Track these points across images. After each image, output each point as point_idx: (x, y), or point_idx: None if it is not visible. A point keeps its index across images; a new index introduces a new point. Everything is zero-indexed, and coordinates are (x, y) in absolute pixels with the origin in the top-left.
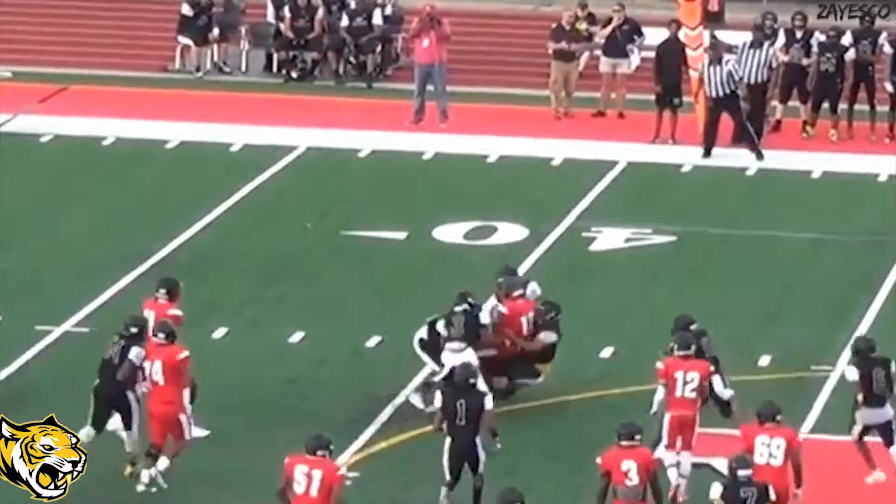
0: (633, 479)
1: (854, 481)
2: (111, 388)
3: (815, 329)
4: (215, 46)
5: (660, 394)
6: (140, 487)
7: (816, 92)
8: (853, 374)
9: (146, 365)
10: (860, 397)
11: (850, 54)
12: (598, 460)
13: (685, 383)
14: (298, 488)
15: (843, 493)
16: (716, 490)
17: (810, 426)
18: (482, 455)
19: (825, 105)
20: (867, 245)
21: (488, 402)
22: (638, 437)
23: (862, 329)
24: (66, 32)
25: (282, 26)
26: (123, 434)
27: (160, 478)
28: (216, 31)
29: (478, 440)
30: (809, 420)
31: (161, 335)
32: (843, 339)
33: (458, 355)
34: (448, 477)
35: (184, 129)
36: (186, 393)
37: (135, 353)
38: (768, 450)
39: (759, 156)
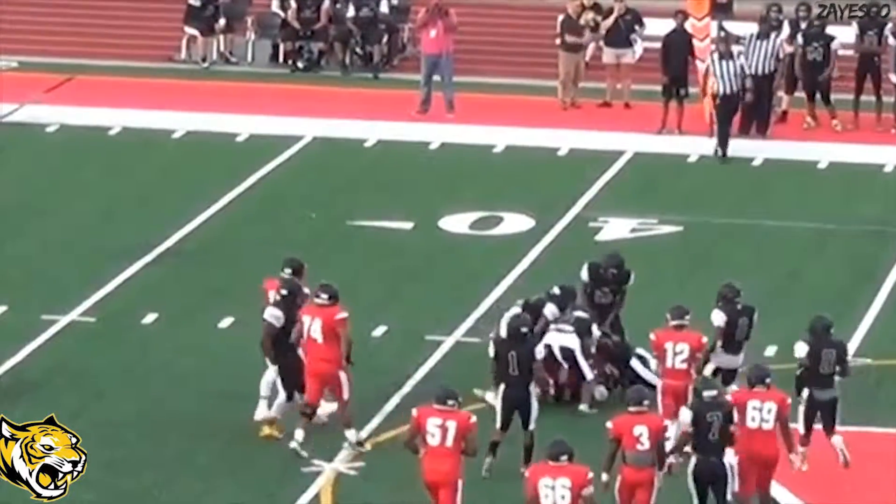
0: (645, 444)
1: (859, 472)
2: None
3: None
4: (221, 37)
5: (653, 365)
6: (292, 444)
7: (806, 82)
8: (720, 320)
9: (305, 319)
10: (719, 343)
11: (836, 44)
12: (609, 424)
13: (675, 354)
14: (432, 440)
15: (848, 483)
16: (686, 415)
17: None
18: (534, 409)
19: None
20: (873, 235)
21: (538, 353)
22: (646, 402)
23: (868, 319)
24: (73, 23)
25: (288, 16)
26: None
27: (298, 446)
28: (222, 21)
29: (531, 389)
30: None
31: (324, 296)
32: (849, 330)
33: (563, 336)
34: (498, 424)
35: (190, 119)
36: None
37: (268, 312)
38: (760, 414)
39: (723, 154)
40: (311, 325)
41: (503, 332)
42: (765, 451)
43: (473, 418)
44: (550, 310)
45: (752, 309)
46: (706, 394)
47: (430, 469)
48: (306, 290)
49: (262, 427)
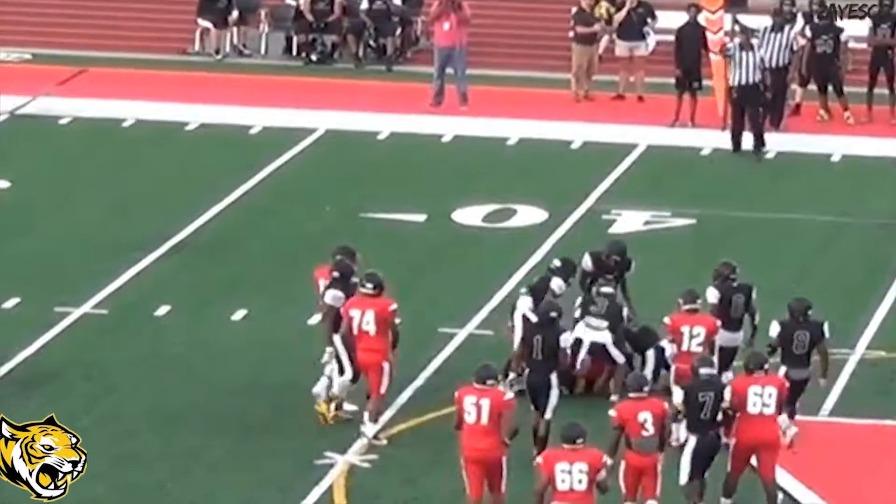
0: (650, 430)
1: (873, 464)
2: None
3: (834, 313)
4: (235, 29)
5: (669, 350)
6: (363, 428)
7: (817, 75)
8: (713, 297)
9: (354, 313)
10: (718, 322)
11: (845, 36)
12: (612, 412)
13: (691, 337)
14: (469, 418)
15: (862, 476)
16: (678, 395)
17: (829, 409)
18: (553, 396)
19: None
20: (886, 228)
21: (564, 341)
22: (646, 388)
23: (881, 312)
24: (86, 15)
25: (301, 8)
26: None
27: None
28: (236, 13)
29: (552, 378)
30: (828, 403)
31: (369, 285)
32: (862, 323)
33: (596, 332)
34: (532, 408)
35: (203, 111)
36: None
37: (330, 295)
38: (761, 399)
39: (760, 148)
40: (363, 318)
41: (533, 318)
42: (765, 436)
43: (509, 395)
44: (556, 283)
45: (748, 287)
46: (703, 371)
47: (468, 446)
48: (355, 279)
49: (320, 403)
